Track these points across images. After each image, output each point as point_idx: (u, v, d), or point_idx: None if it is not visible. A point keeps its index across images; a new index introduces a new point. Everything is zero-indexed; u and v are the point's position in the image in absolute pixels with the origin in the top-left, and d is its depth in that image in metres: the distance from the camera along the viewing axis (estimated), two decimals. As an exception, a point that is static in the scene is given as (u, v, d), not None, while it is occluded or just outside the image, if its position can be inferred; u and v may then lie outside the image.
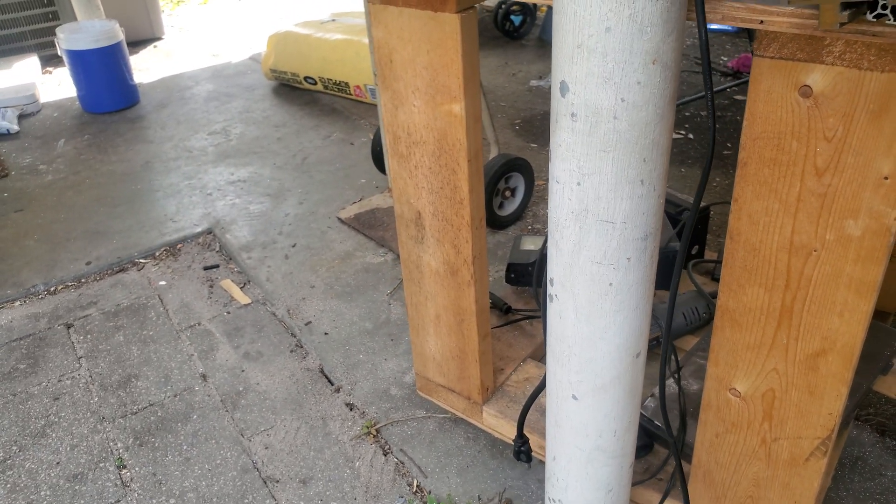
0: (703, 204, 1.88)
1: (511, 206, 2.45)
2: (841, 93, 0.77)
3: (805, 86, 0.78)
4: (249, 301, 2.15)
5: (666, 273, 1.72)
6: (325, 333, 1.99)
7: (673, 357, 1.36)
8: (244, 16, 5.30)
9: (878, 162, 0.78)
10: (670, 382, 1.39)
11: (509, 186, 2.42)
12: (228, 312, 2.11)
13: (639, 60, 0.70)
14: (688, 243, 1.15)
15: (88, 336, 2.04)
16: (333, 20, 3.70)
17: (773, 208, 0.88)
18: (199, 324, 2.07)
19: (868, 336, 1.41)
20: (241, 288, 2.22)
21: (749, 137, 0.85)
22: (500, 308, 1.71)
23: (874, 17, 0.65)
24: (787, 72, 0.78)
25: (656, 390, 1.40)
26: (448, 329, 1.41)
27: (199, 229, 2.53)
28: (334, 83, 3.48)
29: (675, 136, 3.00)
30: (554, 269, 0.89)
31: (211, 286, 2.24)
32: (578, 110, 0.75)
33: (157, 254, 2.42)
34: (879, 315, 1.60)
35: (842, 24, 0.64)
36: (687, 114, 3.19)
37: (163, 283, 2.27)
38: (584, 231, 0.82)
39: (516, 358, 1.59)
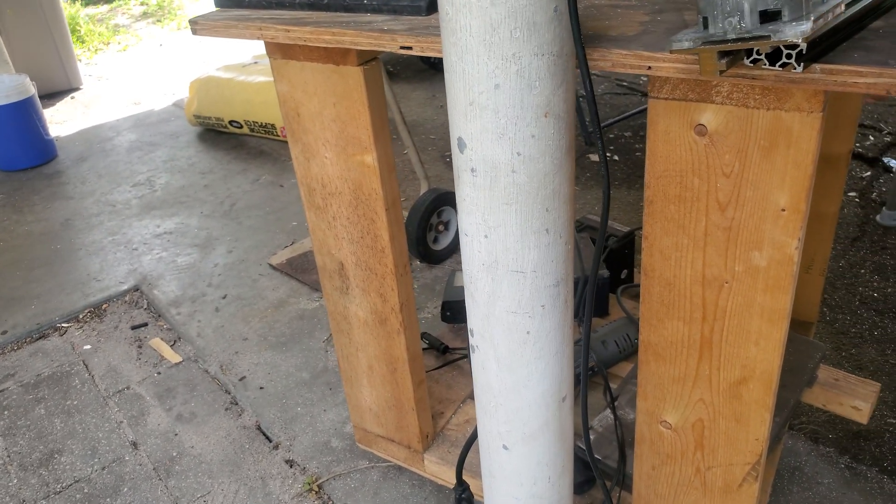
0: (630, 228, 1.91)
1: (445, 240, 2.44)
2: (733, 130, 0.78)
3: (700, 125, 0.80)
4: (181, 359, 2.07)
5: (598, 300, 1.74)
6: (261, 388, 1.93)
7: (607, 388, 1.36)
8: (165, 62, 5.20)
9: (775, 195, 0.80)
10: (608, 413, 1.39)
11: (442, 220, 2.42)
12: (159, 373, 2.03)
13: (530, 115, 0.70)
14: (596, 272, 1.16)
15: (6, 412, 1.92)
16: (255, 63, 3.67)
17: (682, 243, 0.89)
18: (127, 388, 1.98)
19: (791, 350, 1.45)
20: (171, 346, 2.14)
21: (653, 176, 0.86)
22: (437, 349, 1.69)
23: (751, 61, 0.67)
24: (682, 112, 0.80)
25: (595, 422, 1.40)
26: (382, 379, 1.38)
27: (125, 287, 2.44)
28: (260, 125, 3.44)
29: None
30: (472, 321, 0.88)
31: (140, 346, 2.15)
32: (477, 165, 0.74)
33: (81, 316, 2.31)
34: (802, 325, 1.65)
35: (721, 72, 0.66)
36: (611, 135, 3.26)
37: (87, 347, 2.16)
38: (497, 282, 0.81)
39: (456, 399, 1.57)
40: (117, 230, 2.82)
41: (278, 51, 1.09)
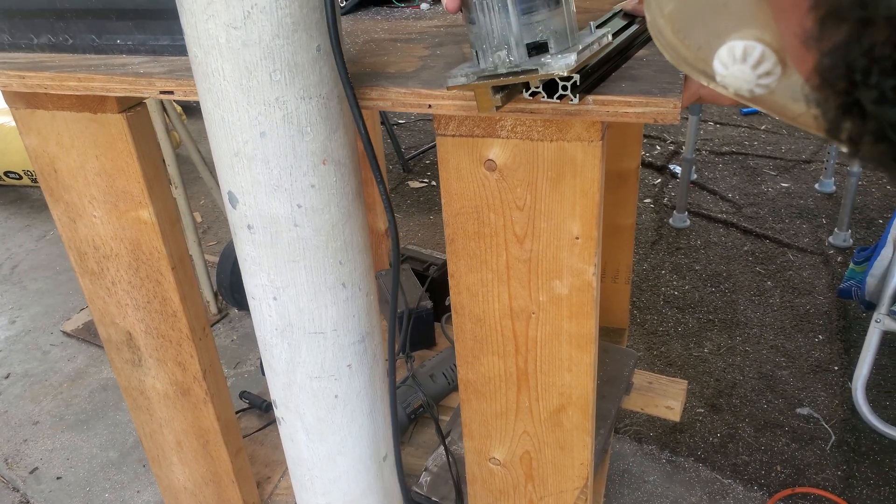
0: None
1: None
2: (521, 164, 0.77)
3: (489, 160, 0.78)
4: (-48, 460, 1.75)
5: (423, 332, 1.70)
6: (58, 478, 1.68)
7: (437, 425, 1.32)
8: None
9: (568, 224, 0.80)
10: (441, 450, 1.35)
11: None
12: (-77, 482, 1.70)
13: (306, 163, 0.63)
14: (395, 301, 1.12)
15: None
16: (32, 104, 3.27)
17: (487, 278, 0.86)
18: None
19: (607, 360, 1.51)
20: (-61, 445, 1.80)
21: (450, 214, 0.82)
22: (259, 407, 1.56)
23: (529, 94, 0.66)
24: (470, 148, 0.77)
25: (430, 461, 1.35)
26: (194, 454, 1.24)
27: None
28: (43, 174, 3.06)
29: (419, 184, 3.08)
30: (274, 391, 0.79)
31: None
32: (254, 222, 0.66)
33: None
34: (615, 332, 1.73)
35: (497, 107, 0.63)
36: (427, 161, 3.29)
37: None
38: (294, 347, 0.73)
39: (283, 461, 1.45)
40: None
41: (20, 99, 0.94)
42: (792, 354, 1.94)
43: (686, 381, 1.53)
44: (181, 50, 0.84)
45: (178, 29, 0.84)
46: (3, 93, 0.92)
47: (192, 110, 4.05)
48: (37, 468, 1.71)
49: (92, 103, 0.90)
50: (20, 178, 3.11)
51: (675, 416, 1.46)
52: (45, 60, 0.88)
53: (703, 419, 1.76)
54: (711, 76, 0.52)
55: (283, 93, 0.59)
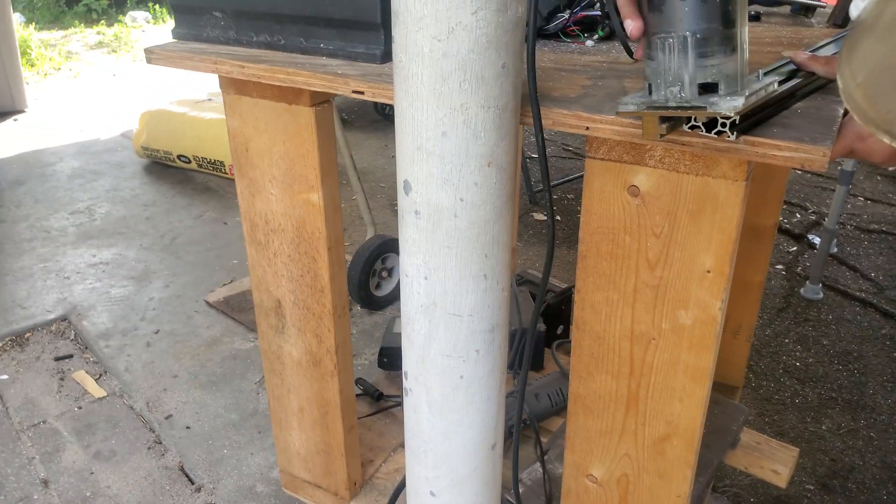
0: (568, 285, 1.95)
1: (388, 287, 2.44)
2: (664, 193, 0.82)
3: (633, 186, 0.84)
4: (105, 394, 1.99)
5: (534, 354, 1.75)
6: (187, 427, 1.86)
7: (537, 441, 1.37)
8: (116, 92, 5.13)
9: (701, 256, 0.84)
10: (537, 466, 1.39)
11: (386, 267, 2.42)
12: (80, 408, 1.94)
13: (474, 163, 0.72)
14: (535, 322, 1.18)
15: None
16: (210, 99, 3.66)
17: (613, 299, 0.92)
18: (44, 422, 1.88)
19: (716, 412, 1.49)
20: (96, 380, 2.05)
21: (587, 232, 0.89)
22: (372, 395, 1.67)
23: (689, 127, 0.72)
24: (616, 173, 0.84)
25: (525, 475, 1.40)
26: (312, 422, 1.36)
27: (52, 316, 2.34)
28: (209, 162, 3.41)
29: (543, 217, 3.14)
30: (408, 363, 0.88)
31: (62, 379, 2.05)
32: (421, 208, 0.76)
33: (1, 345, 2.20)
34: (728, 389, 1.70)
35: (662, 136, 0.70)
36: (555, 196, 3.36)
37: (4, 377, 2.06)
38: (434, 324, 0.82)
39: (387, 448, 1.55)
40: (50, 257, 2.73)
41: (232, 86, 1.10)
42: (921, 449, 1.82)
43: (797, 450, 1.48)
44: (373, 57, 0.97)
45: (373, 39, 0.97)
46: (221, 79, 1.09)
47: (343, 122, 4.35)
48: (171, 415, 1.91)
49: (290, 95, 1.05)
50: (189, 162, 3.48)
51: (780, 481, 1.42)
52: (260, 55, 1.04)
53: (811, 496, 1.68)
54: (894, 136, 0.60)
55: (467, 100, 0.69)
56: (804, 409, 1.96)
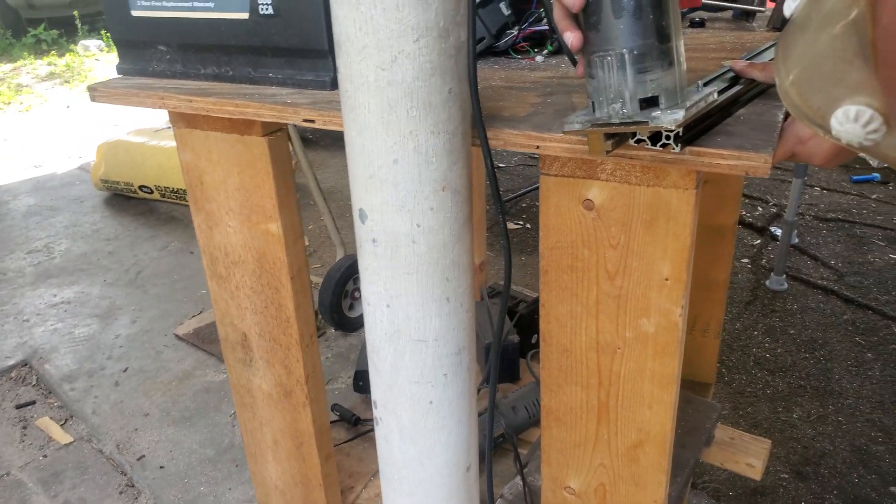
0: (538, 294, 1.96)
1: (361, 307, 2.43)
2: (618, 205, 0.83)
3: (587, 199, 0.85)
4: (71, 439, 1.94)
5: (508, 366, 1.76)
6: (161, 467, 1.83)
7: (516, 455, 1.37)
8: (72, 124, 5.04)
9: (658, 265, 0.85)
10: (517, 480, 1.39)
11: (357, 287, 2.41)
12: (45, 456, 1.88)
13: (429, 188, 0.72)
14: (500, 337, 1.18)
15: None
16: (169, 127, 3.61)
17: (576, 311, 0.92)
18: (7, 474, 1.82)
19: (690, 410, 1.51)
20: (61, 425, 2.00)
21: (546, 247, 0.89)
22: (349, 420, 1.65)
23: (635, 142, 0.72)
24: (571, 187, 0.84)
25: (506, 489, 1.40)
26: (287, 454, 1.34)
27: (11, 362, 2.28)
28: (172, 191, 3.36)
29: (514, 226, 3.16)
30: (376, 392, 0.87)
31: (24, 427, 2.00)
32: (378, 236, 0.75)
33: (-40, 395, 2.14)
34: (701, 386, 1.72)
35: (608, 152, 0.71)
36: (524, 205, 3.38)
37: (-34, 428, 2.00)
38: (399, 352, 0.81)
39: (366, 473, 1.53)
40: (6, 300, 2.66)
41: (182, 120, 1.09)
42: (890, 430, 1.85)
43: (770, 441, 1.50)
44: (322, 84, 0.97)
45: (322, 67, 0.97)
46: (171, 113, 1.08)
47: (308, 142, 4.32)
48: (143, 456, 1.87)
49: (242, 126, 1.04)
50: (151, 192, 3.43)
51: (755, 474, 1.44)
52: (208, 88, 1.03)
53: (786, 485, 1.71)
54: (828, 130, 0.63)
55: (416, 127, 0.69)
56: (775, 399, 2.00)
